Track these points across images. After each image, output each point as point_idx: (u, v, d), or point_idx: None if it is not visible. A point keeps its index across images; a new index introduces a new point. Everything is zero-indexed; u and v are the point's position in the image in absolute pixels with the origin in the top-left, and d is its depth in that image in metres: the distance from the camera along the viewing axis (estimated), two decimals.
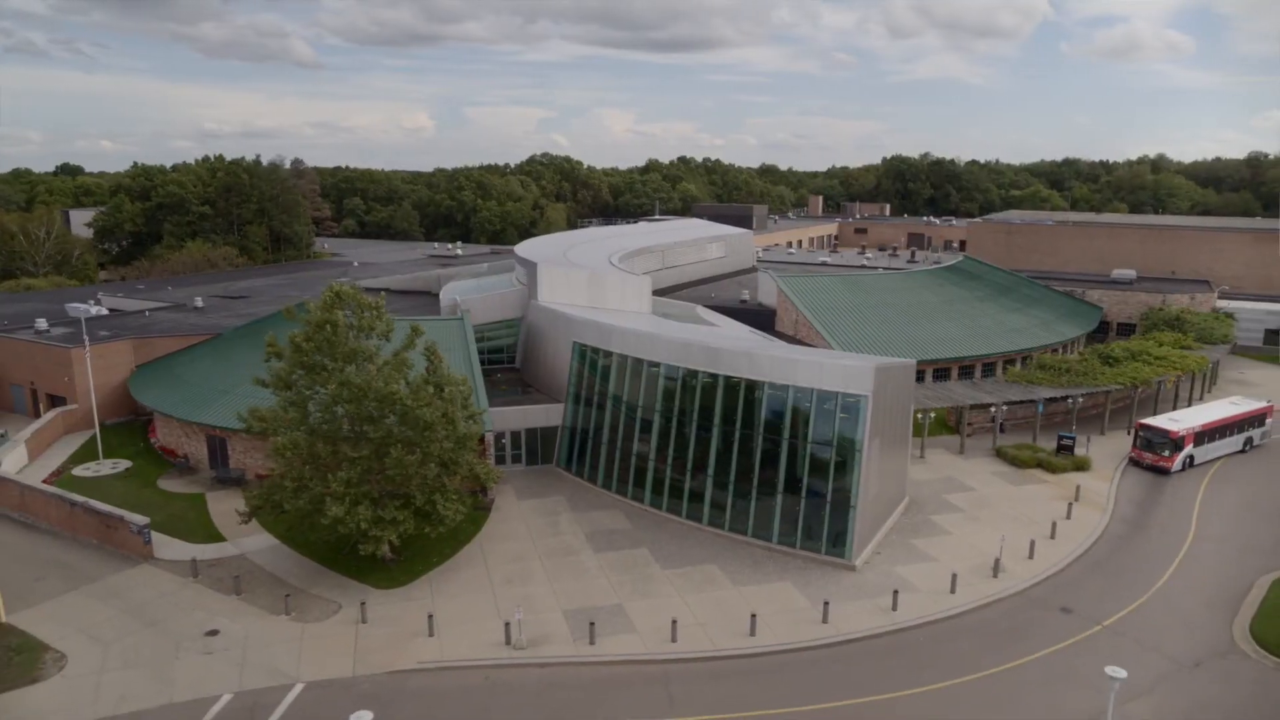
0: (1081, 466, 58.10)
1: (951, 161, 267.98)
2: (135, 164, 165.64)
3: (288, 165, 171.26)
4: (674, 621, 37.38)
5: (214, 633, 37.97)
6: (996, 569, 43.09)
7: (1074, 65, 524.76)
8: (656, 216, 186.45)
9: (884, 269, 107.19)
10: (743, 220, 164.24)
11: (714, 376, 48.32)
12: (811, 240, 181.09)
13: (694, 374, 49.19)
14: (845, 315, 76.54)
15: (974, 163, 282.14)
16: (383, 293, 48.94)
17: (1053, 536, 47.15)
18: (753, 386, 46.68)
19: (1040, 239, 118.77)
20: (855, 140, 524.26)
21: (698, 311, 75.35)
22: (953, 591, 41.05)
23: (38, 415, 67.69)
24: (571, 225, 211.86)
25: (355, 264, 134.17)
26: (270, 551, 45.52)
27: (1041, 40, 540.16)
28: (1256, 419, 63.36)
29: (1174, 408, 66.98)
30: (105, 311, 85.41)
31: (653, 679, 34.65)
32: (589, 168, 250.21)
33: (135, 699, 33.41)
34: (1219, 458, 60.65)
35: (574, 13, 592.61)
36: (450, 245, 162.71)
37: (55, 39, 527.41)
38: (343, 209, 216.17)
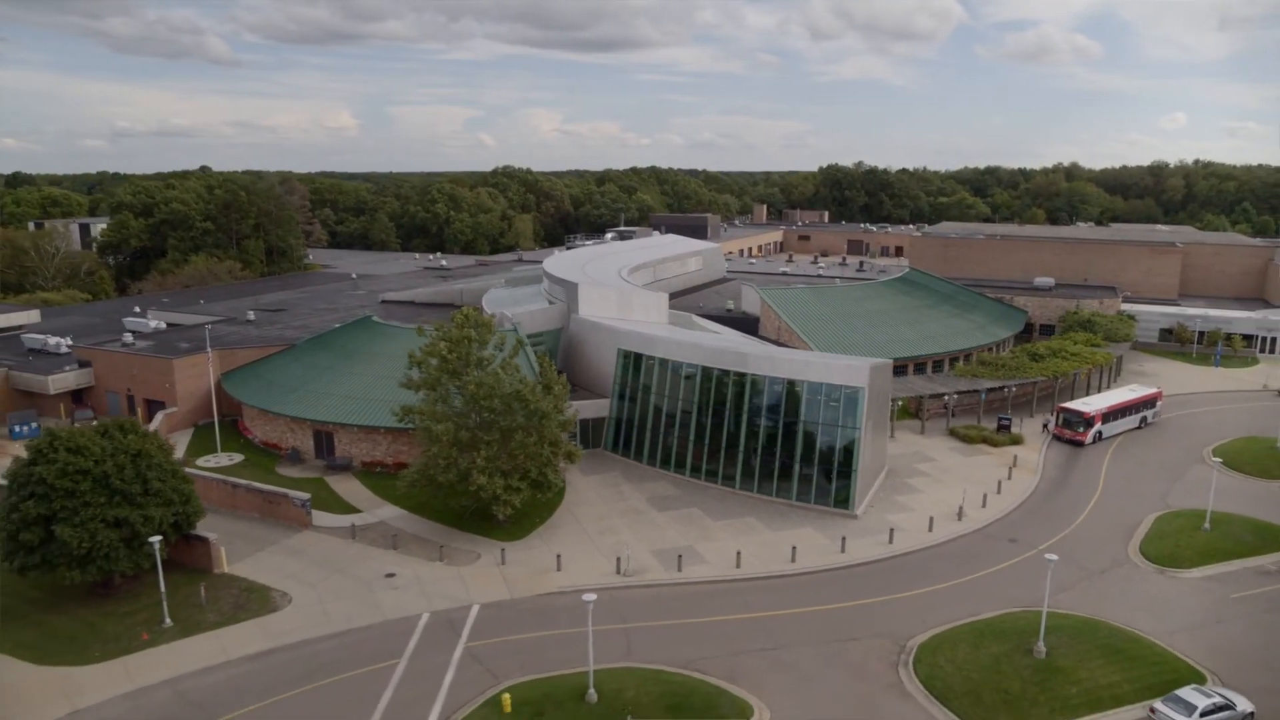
0: (1017, 441, 73.64)
1: (884, 171, 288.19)
2: (131, 180, 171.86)
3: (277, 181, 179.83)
4: (738, 553, 51.27)
5: (392, 575, 50.25)
6: (960, 515, 57.94)
7: (989, 68, 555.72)
8: (622, 227, 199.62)
9: (840, 278, 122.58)
10: (698, 229, 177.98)
11: (742, 375, 62.18)
12: (760, 247, 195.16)
13: (725, 373, 63.00)
14: (820, 322, 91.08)
15: (904, 171, 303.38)
16: (493, 315, 61.30)
17: (999, 492, 62.34)
18: (774, 382, 60.74)
19: (973, 251, 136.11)
20: (782, 139, 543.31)
21: (695, 320, 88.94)
22: (930, 530, 55.75)
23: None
24: (538, 235, 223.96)
25: (354, 275, 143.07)
26: (404, 518, 57.76)
27: (958, 43, 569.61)
28: (1149, 402, 79.98)
29: (1087, 394, 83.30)
30: (164, 325, 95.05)
31: (729, 592, 48.38)
32: (550, 178, 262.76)
33: (358, 619, 45.68)
34: (1121, 433, 76.89)
35: (497, 11, 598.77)
36: (432, 256, 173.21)
37: None
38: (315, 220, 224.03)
